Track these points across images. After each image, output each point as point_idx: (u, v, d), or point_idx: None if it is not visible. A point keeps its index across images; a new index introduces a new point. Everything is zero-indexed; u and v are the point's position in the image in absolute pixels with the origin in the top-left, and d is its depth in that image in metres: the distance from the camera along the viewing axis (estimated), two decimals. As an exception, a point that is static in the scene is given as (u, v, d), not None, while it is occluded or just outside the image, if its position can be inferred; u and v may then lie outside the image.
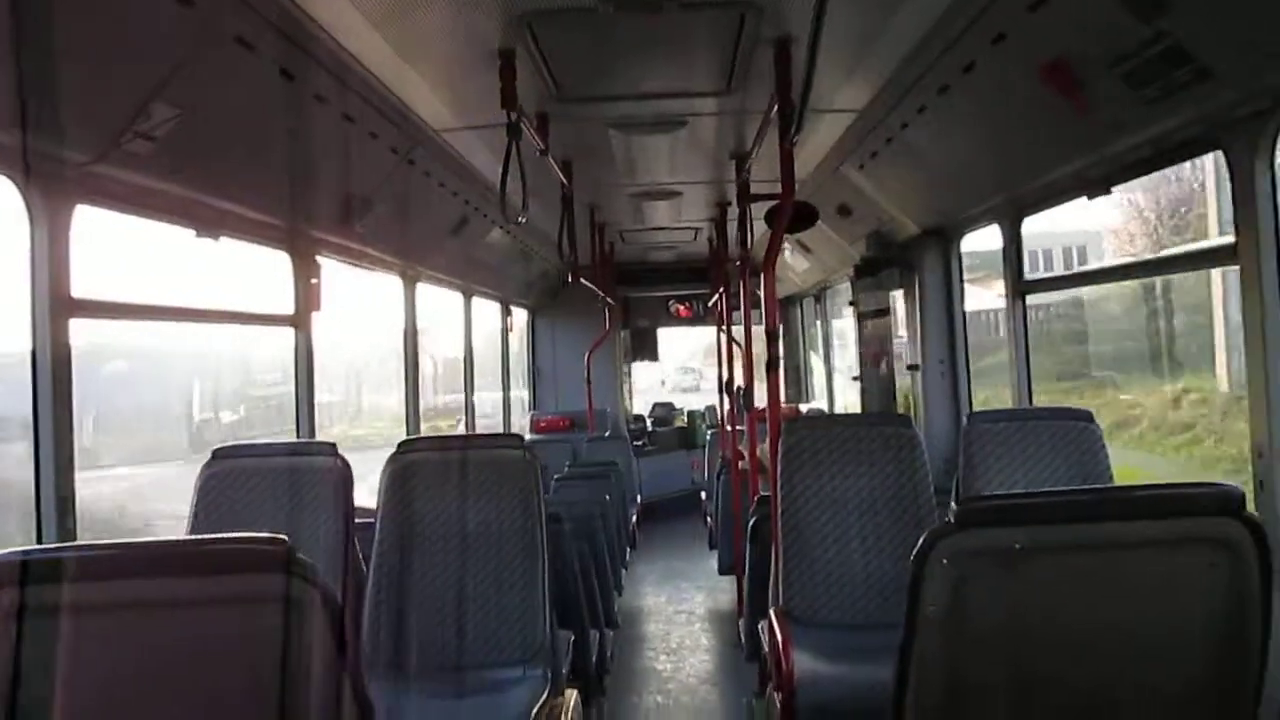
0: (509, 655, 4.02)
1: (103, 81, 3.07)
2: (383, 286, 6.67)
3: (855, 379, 8.64)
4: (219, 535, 1.87)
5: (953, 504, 2.05)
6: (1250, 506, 2.11)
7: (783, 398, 4.61)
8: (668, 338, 15.85)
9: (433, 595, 4.09)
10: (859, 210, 6.98)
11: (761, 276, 4.70)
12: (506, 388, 10.59)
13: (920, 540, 2.03)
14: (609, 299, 10.75)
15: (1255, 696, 2.09)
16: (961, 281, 6.56)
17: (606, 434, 11.21)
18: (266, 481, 4.20)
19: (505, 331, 10.55)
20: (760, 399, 5.42)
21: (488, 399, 10.00)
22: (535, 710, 3.66)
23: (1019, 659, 2.13)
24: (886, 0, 3.80)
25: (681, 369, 40.35)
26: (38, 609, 1.72)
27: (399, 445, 4.29)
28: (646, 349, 14.70)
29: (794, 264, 10.41)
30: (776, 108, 4.24)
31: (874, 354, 7.78)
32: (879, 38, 4.21)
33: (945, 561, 2.01)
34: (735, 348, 8.60)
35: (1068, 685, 2.10)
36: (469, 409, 8.66)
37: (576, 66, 4.55)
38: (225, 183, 4.03)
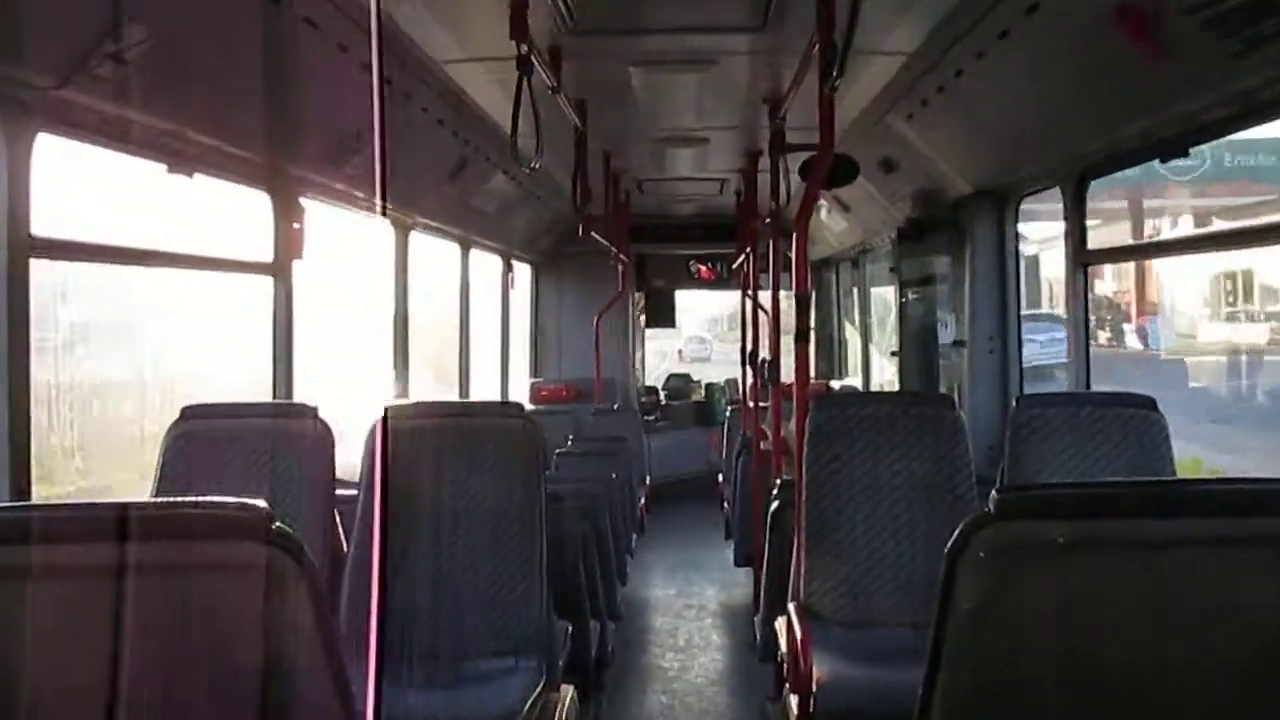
0: (501, 644, 4.08)
1: (70, -3, 3.10)
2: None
3: (894, 354, 8.66)
4: (192, 499, 1.91)
5: (993, 493, 2.08)
6: None
7: (813, 372, 4.64)
8: (685, 302, 15.82)
9: (418, 576, 4.15)
10: (905, 165, 6.97)
11: (793, 236, 4.72)
12: (506, 352, 10.64)
13: (956, 531, 2.06)
14: (623, 255, 10.76)
15: None
16: (1017, 248, 6.56)
17: (615, 406, 11.25)
18: (240, 445, 4.26)
19: (506, 288, 10.59)
20: (787, 373, 5.45)
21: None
22: (527, 705, 3.72)
23: (1060, 664, 2.16)
24: (944, -69, 3.81)
25: (694, 338, 40.70)
26: (-3, 571, 1.78)
27: (385, 410, 4.34)
28: (663, 313, 14.70)
29: (830, 223, 10.39)
30: (817, 48, 4.24)
31: (916, 327, 7.79)
32: (934, -28, 4.22)
33: (983, 555, 2.04)
34: (761, 315, 8.62)
35: (1112, 692, 2.14)
36: (464, 374, 8.71)
37: None
38: (202, 114, 4.05)
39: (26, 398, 3.35)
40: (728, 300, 14.90)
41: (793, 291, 4.89)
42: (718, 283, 14.04)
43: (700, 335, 42.25)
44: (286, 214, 5.12)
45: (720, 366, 25.18)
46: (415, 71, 5.25)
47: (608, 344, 11.88)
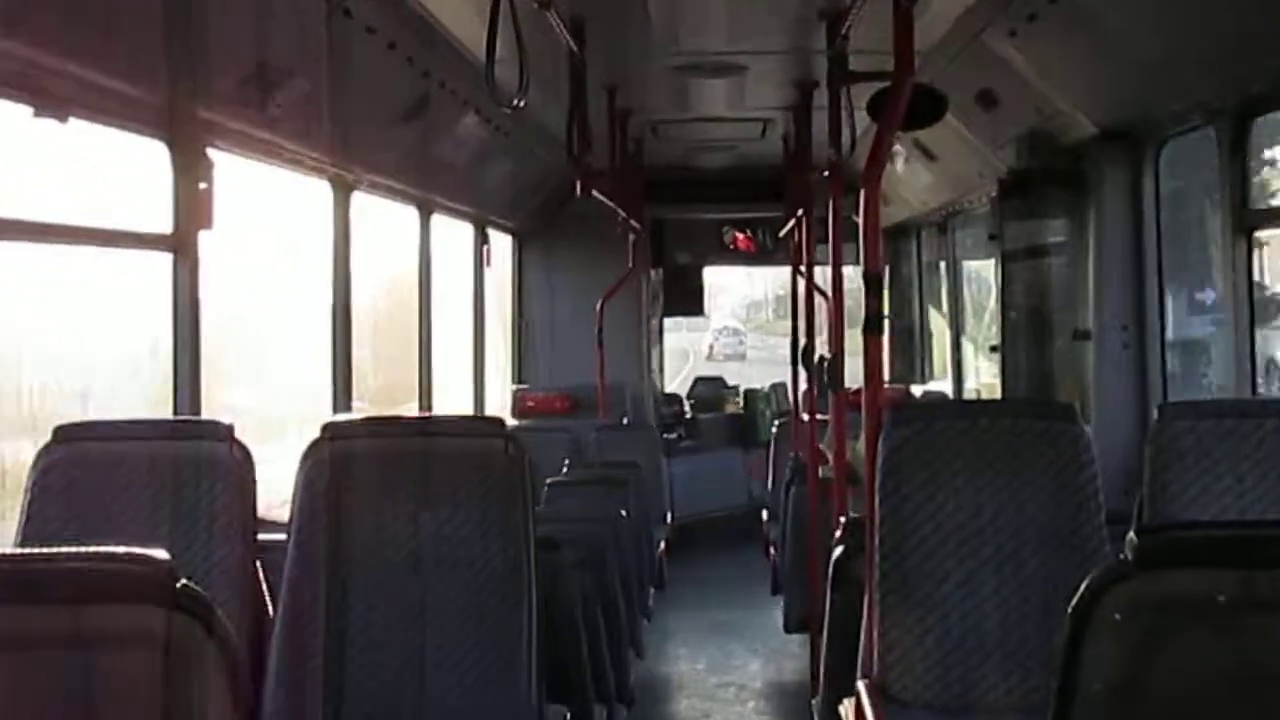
0: None
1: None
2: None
3: (994, 349, 8.65)
4: (70, 549, 1.91)
5: (1132, 534, 2.07)
6: None
7: (887, 374, 4.63)
8: (713, 282, 15.79)
9: (367, 647, 4.15)
10: (1009, 99, 6.97)
11: (861, 194, 4.72)
12: (480, 350, 10.66)
13: (1082, 586, 2.06)
14: (634, 221, 10.77)
15: None
16: (1158, 209, 6.54)
17: (625, 421, 11.27)
18: (131, 475, 4.26)
19: (480, 266, 10.60)
20: (853, 375, 5.44)
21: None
22: None
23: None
24: None
25: (726, 329, 40.90)
26: None
27: (323, 428, 4.34)
28: (687, 297, 14.70)
29: (909, 177, 10.40)
30: None
31: (1023, 313, 7.78)
32: None
33: (1118, 617, 2.04)
34: (818, 297, 8.61)
35: None
36: (425, 380, 8.73)
37: None
38: (80, 40, 4.07)
39: None
40: (766, 278, 14.85)
41: (860, 267, 4.88)
42: (760, 256, 14.04)
43: (734, 326, 42.46)
44: (190, 170, 5.10)
45: (758, 366, 25.19)
46: None
47: (615, 339, 11.88)
